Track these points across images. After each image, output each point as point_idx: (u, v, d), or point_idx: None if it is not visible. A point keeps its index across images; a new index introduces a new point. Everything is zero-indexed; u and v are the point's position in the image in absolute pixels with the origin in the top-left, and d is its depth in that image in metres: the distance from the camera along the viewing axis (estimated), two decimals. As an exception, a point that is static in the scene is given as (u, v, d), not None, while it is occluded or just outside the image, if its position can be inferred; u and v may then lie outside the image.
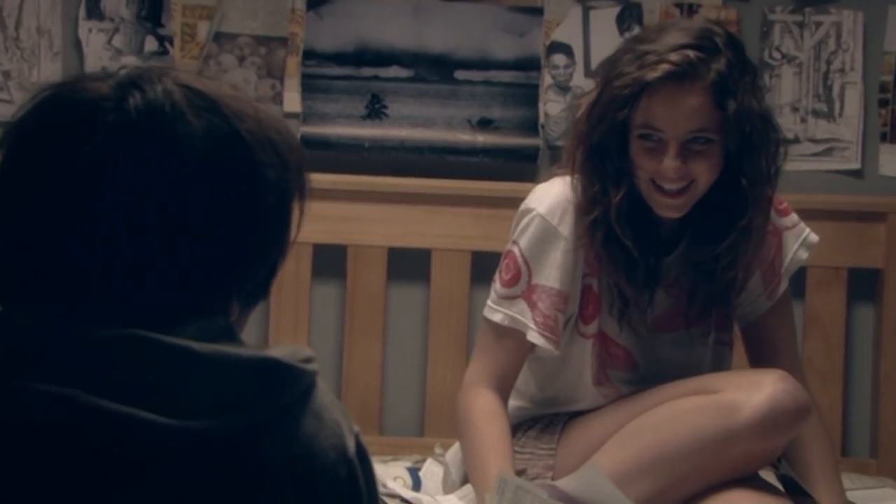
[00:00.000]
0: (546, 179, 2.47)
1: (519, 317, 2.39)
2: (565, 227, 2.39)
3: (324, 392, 1.19)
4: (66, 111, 1.17)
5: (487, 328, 2.45)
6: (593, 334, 2.43)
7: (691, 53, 2.27)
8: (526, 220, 2.41)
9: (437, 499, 2.49)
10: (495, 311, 2.42)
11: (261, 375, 1.13)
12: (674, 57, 2.26)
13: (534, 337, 2.38)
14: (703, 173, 2.32)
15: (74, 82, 1.19)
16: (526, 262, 2.40)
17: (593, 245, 2.37)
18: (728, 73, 2.28)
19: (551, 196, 2.41)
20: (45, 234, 1.14)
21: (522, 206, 2.43)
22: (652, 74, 2.26)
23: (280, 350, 1.17)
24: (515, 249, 2.42)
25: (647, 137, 2.31)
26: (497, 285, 2.43)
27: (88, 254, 1.14)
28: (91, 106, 1.16)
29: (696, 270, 2.41)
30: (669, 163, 2.28)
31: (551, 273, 2.38)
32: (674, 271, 2.44)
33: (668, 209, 2.34)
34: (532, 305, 2.39)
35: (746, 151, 2.32)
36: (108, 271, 1.14)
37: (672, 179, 2.30)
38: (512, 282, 2.41)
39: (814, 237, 2.53)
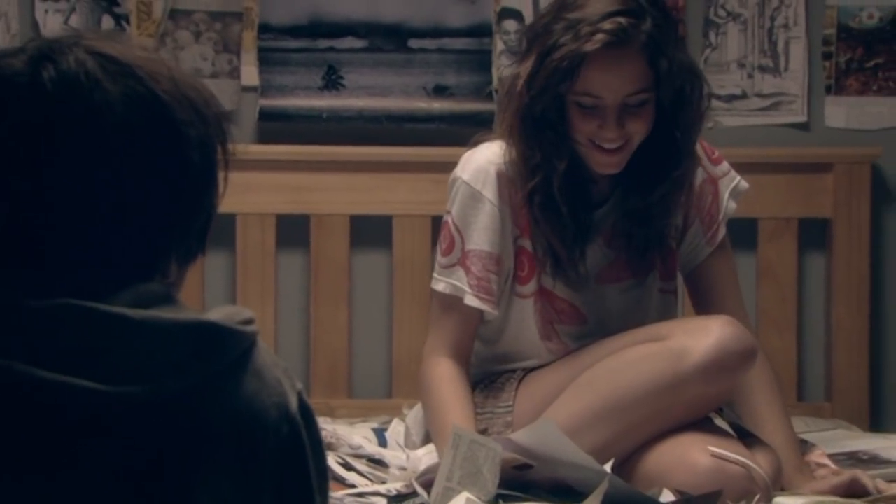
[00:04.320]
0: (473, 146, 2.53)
1: (458, 283, 2.47)
2: (489, 191, 2.46)
3: (264, 352, 1.20)
4: None
5: (435, 299, 2.52)
6: (532, 293, 2.50)
7: (623, 20, 2.33)
8: (454, 188, 2.49)
9: (407, 453, 2.56)
10: (438, 281, 2.50)
11: (198, 339, 1.14)
12: (607, 26, 2.33)
13: (470, 300, 2.46)
14: (640, 130, 2.39)
15: None
16: (458, 230, 2.47)
17: (528, 209, 2.45)
18: (657, 33, 2.35)
19: (474, 162, 2.48)
20: None
21: (451, 176, 2.51)
22: (590, 46, 2.32)
23: (218, 313, 1.17)
24: (449, 219, 2.49)
25: (585, 103, 2.38)
26: (438, 256, 2.51)
27: (19, 227, 1.15)
28: (5, 83, 1.16)
29: (630, 220, 2.48)
30: (609, 130, 2.36)
31: (480, 236, 2.46)
32: (608, 223, 2.51)
33: (607, 166, 2.42)
34: (467, 270, 2.46)
35: (679, 104, 2.39)
36: (40, 243, 1.15)
37: (612, 140, 2.38)
38: (448, 250, 2.49)
39: (744, 184, 2.60)
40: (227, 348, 1.17)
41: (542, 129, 2.39)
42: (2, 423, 1.11)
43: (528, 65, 2.40)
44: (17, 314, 1.12)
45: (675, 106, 2.39)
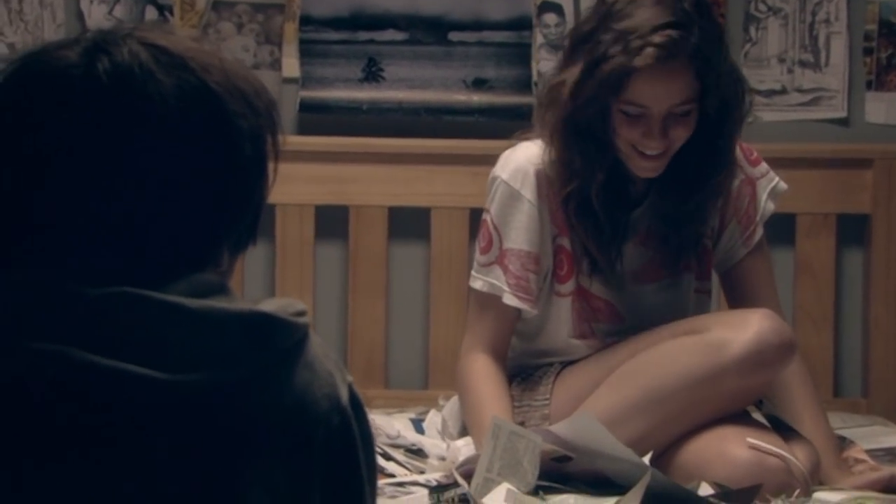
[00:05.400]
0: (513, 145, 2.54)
1: (496, 282, 2.48)
2: (528, 190, 2.47)
3: (316, 344, 1.20)
4: (36, 83, 1.18)
5: (473, 297, 2.54)
6: (570, 292, 2.51)
7: (673, 33, 2.33)
8: (493, 187, 2.50)
9: (447, 442, 2.57)
10: (476, 279, 2.52)
11: (252, 329, 1.15)
12: (657, 39, 2.33)
13: (509, 299, 2.47)
14: (682, 136, 2.40)
15: (41, 52, 1.19)
16: (496, 229, 2.49)
17: (564, 210, 2.45)
18: (704, 44, 2.36)
19: (513, 161, 2.49)
20: (31, 200, 1.16)
21: (490, 175, 2.52)
22: (640, 62, 2.32)
23: (271, 304, 1.18)
24: (487, 217, 2.51)
25: (631, 112, 2.38)
26: (477, 254, 2.53)
27: (78, 217, 1.16)
28: (60, 74, 1.17)
29: (665, 223, 2.49)
30: (654, 139, 2.37)
31: (519, 236, 2.47)
32: (643, 224, 2.52)
33: (648, 171, 2.43)
34: (505, 269, 2.48)
35: (724, 112, 2.40)
36: (98, 232, 1.16)
37: (655, 147, 2.39)
38: (487, 249, 2.50)
39: (782, 185, 2.61)
40: (281, 339, 1.17)
41: (584, 137, 2.40)
42: (59, 411, 1.12)
43: (574, 72, 2.40)
44: (74, 302, 1.13)
45: (721, 114, 2.40)
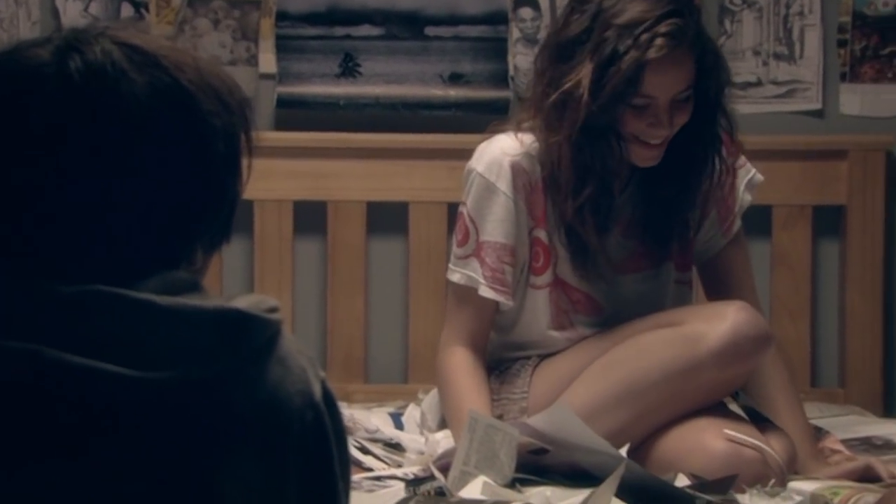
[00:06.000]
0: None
1: (472, 274, 2.49)
2: (503, 183, 2.48)
3: (289, 340, 1.21)
4: (8, 81, 1.18)
5: (451, 290, 2.55)
6: (546, 284, 2.52)
7: (678, 21, 2.36)
8: (469, 180, 2.51)
9: (426, 435, 2.59)
10: (454, 272, 2.53)
11: (224, 326, 1.15)
12: (664, 29, 2.35)
13: (485, 291, 2.48)
14: (682, 123, 2.42)
15: (13, 51, 1.20)
16: (472, 221, 2.50)
17: (546, 200, 2.46)
18: (696, 28, 2.39)
19: (488, 154, 2.50)
20: (2, 198, 1.17)
21: (466, 168, 2.53)
22: (654, 53, 2.34)
23: (243, 300, 1.18)
24: (464, 210, 2.52)
25: (639, 104, 2.39)
26: (454, 247, 2.53)
27: (48, 215, 1.17)
28: (33, 73, 1.17)
29: (647, 211, 2.50)
30: (662, 127, 2.38)
31: (494, 228, 2.48)
32: (625, 214, 2.53)
33: (649, 160, 2.44)
34: (482, 262, 2.49)
35: (719, 95, 2.43)
36: (70, 230, 1.17)
37: (659, 137, 2.40)
38: (463, 241, 2.51)
39: (759, 177, 2.62)
40: (253, 336, 1.18)
41: (600, 137, 2.40)
42: (31, 408, 1.12)
43: (585, 73, 2.38)
44: (46, 300, 1.13)
45: (719, 95, 2.43)
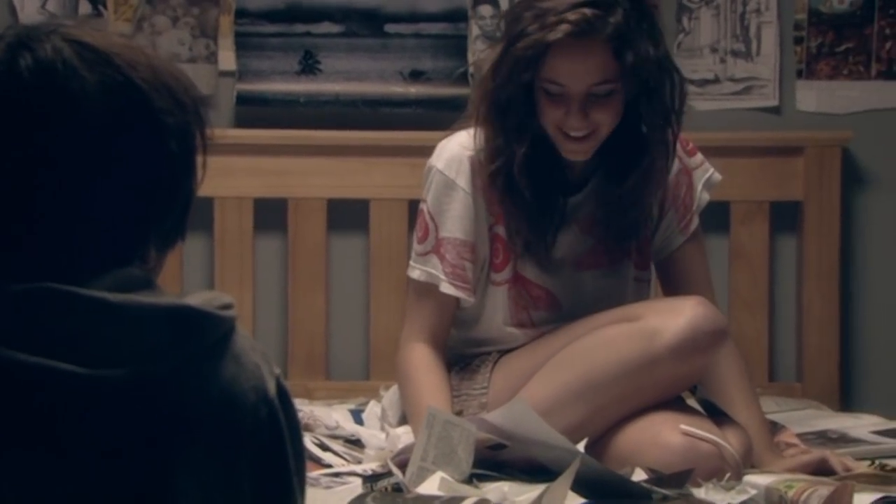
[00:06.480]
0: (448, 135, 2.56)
1: (433, 271, 2.50)
2: (462, 179, 2.49)
3: (243, 337, 1.22)
4: None
5: (411, 286, 2.56)
6: (506, 280, 2.53)
7: (588, 11, 2.37)
8: (428, 177, 2.52)
9: (387, 430, 2.59)
10: (414, 269, 2.54)
11: (177, 323, 1.16)
12: (571, 16, 2.36)
13: (446, 288, 2.49)
14: (605, 120, 2.43)
15: None
16: (432, 218, 2.51)
17: (495, 191, 2.48)
18: (625, 25, 2.38)
19: (447, 150, 2.51)
20: None
21: (426, 165, 2.54)
22: (552, 35, 2.36)
23: (197, 297, 1.19)
24: (424, 207, 2.53)
25: (552, 91, 2.41)
26: (414, 244, 2.55)
27: (0, 213, 1.16)
28: None
29: (605, 208, 2.52)
30: (574, 118, 2.40)
31: (454, 224, 2.49)
32: (584, 210, 2.54)
33: (575, 153, 2.46)
34: (441, 258, 2.50)
35: (645, 97, 2.43)
36: (20, 228, 1.17)
37: (577, 128, 2.41)
38: (423, 238, 2.52)
39: (717, 176, 2.64)
40: (206, 332, 1.18)
41: (506, 114, 2.43)
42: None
43: (497, 51, 2.44)
44: None
45: (640, 99, 2.43)
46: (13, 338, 1.13)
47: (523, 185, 2.44)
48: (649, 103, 2.42)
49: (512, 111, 2.43)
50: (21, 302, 1.14)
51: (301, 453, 1.26)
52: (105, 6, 3.26)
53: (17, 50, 1.18)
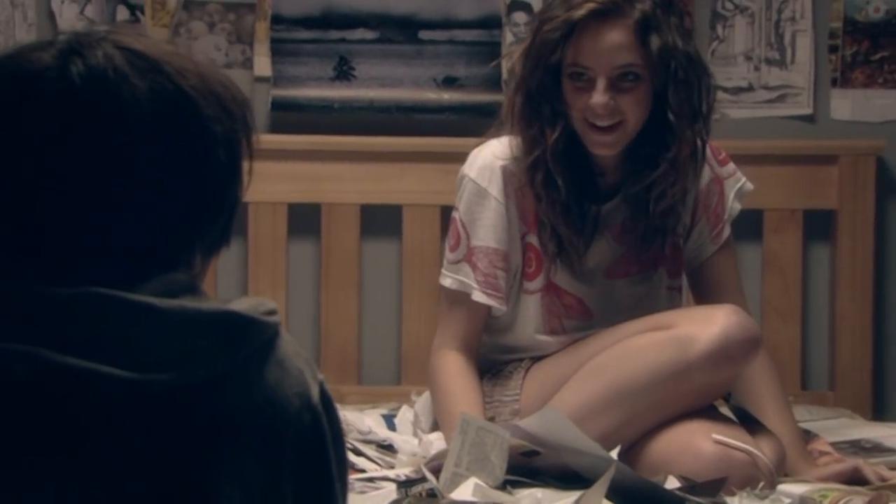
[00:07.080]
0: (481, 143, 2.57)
1: (465, 279, 2.51)
2: (494, 187, 2.50)
3: (287, 343, 1.22)
4: (10, 84, 1.19)
5: (443, 294, 2.57)
6: (539, 289, 2.53)
7: None
8: (461, 185, 2.53)
9: (420, 436, 2.60)
10: (446, 277, 2.55)
11: (222, 329, 1.16)
12: None
13: (478, 296, 2.50)
14: (632, 109, 2.42)
15: (15, 54, 1.20)
16: (464, 226, 2.52)
17: (533, 188, 2.48)
18: (652, 12, 2.40)
19: (480, 159, 2.52)
20: (3, 201, 1.17)
21: (459, 173, 2.55)
22: (577, 13, 2.38)
23: (242, 303, 1.19)
24: (456, 215, 2.54)
25: (578, 76, 2.42)
26: (446, 252, 2.56)
27: (47, 218, 1.17)
28: (35, 77, 1.18)
29: (633, 209, 2.52)
30: (598, 98, 2.40)
31: (486, 233, 2.50)
32: (616, 219, 2.55)
33: (602, 146, 2.45)
34: (474, 267, 2.50)
35: (672, 86, 2.42)
36: (69, 233, 1.17)
37: (602, 115, 2.41)
38: (455, 246, 2.53)
39: (749, 186, 2.64)
40: (251, 338, 1.19)
41: (539, 102, 2.44)
42: (28, 409, 1.13)
43: (526, 41, 2.47)
44: (44, 302, 1.14)
45: (668, 88, 2.42)
46: (61, 342, 1.13)
47: (557, 172, 2.44)
48: (677, 94, 2.42)
49: (544, 98, 2.43)
50: (67, 306, 1.14)
51: (344, 460, 1.27)
52: (142, 12, 3.28)
53: (68, 56, 1.19)
